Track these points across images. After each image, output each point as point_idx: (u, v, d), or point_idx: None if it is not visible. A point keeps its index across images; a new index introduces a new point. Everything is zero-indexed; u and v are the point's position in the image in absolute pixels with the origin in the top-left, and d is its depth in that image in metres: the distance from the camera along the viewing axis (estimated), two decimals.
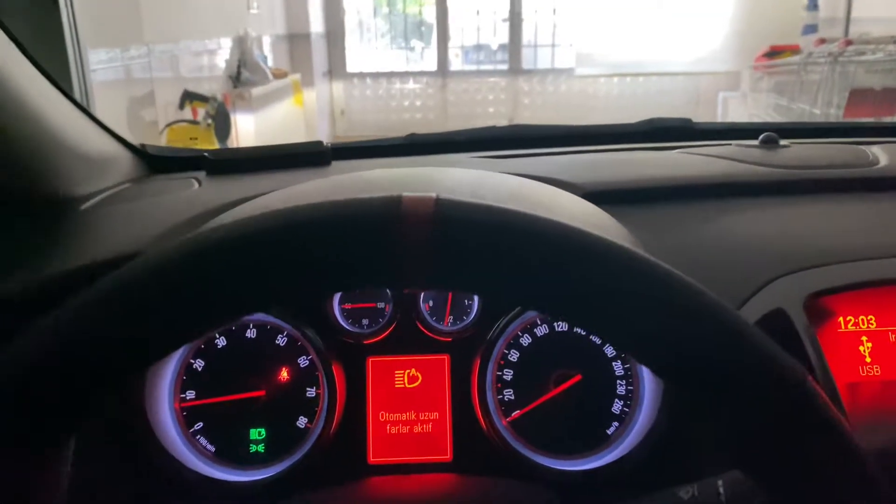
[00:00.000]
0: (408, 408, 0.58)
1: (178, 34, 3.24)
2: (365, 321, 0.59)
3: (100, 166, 0.72)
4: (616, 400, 0.58)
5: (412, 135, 0.89)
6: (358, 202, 0.29)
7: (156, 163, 0.82)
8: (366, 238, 0.28)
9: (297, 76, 4.43)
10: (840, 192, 0.69)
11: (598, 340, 0.58)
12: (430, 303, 0.59)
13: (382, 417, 0.58)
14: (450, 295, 0.59)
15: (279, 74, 4.16)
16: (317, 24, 5.08)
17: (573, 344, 0.58)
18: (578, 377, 0.57)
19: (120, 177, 0.76)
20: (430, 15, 5.49)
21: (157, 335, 0.28)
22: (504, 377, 0.58)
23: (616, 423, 0.57)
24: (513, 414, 0.57)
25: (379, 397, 0.58)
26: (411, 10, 5.60)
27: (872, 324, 0.56)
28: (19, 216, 0.62)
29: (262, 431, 0.57)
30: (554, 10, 5.39)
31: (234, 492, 0.55)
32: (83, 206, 0.66)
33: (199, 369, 0.57)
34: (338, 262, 0.28)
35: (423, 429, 0.58)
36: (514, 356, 0.58)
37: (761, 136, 0.79)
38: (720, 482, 0.40)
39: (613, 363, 0.58)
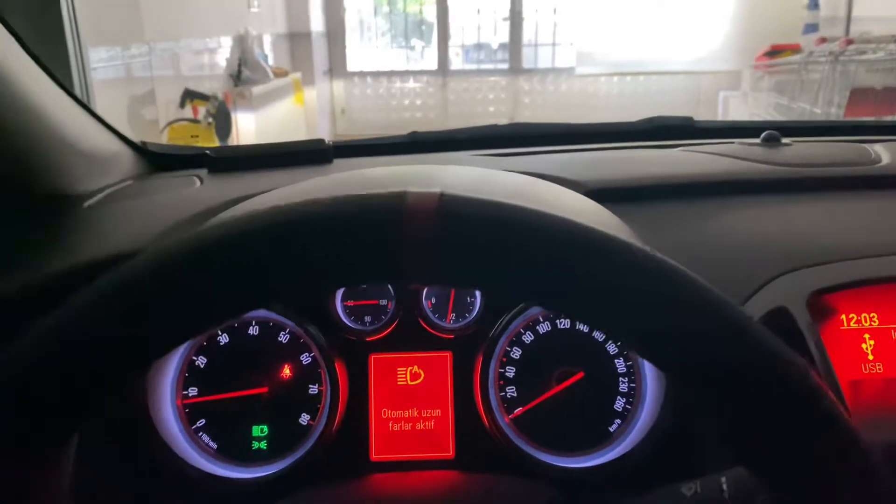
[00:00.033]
0: (410, 405, 0.58)
1: (179, 32, 3.24)
2: (367, 318, 0.59)
3: (102, 164, 0.72)
4: (618, 397, 0.58)
5: (413, 133, 0.89)
6: (362, 198, 0.29)
7: (157, 160, 0.82)
8: (370, 234, 0.28)
9: (297, 75, 4.43)
10: (842, 190, 0.69)
11: (600, 337, 0.58)
12: (433, 300, 0.59)
13: (385, 414, 0.58)
14: (452, 292, 0.59)
15: (280, 73, 4.16)
16: (317, 23, 5.08)
17: (576, 341, 0.58)
18: (581, 374, 0.58)
19: (122, 174, 0.76)
20: (430, 14, 5.49)
21: (159, 333, 0.28)
22: (506, 374, 0.58)
23: (618, 421, 0.57)
24: (515, 411, 0.58)
25: (381, 394, 0.58)
26: (412, 9, 5.60)
27: (875, 321, 0.56)
28: (21, 213, 0.62)
29: (265, 428, 0.57)
30: (554, 10, 5.38)
31: (237, 489, 0.55)
32: (85, 204, 0.66)
33: (202, 366, 0.57)
34: (342, 259, 0.28)
35: (425, 426, 0.58)
36: (516, 353, 0.58)
37: (763, 135, 0.79)
38: (723, 478, 0.40)
39: (616, 360, 0.58)
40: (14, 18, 0.62)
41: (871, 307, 0.56)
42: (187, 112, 3.08)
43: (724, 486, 0.39)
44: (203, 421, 0.57)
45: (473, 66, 5.56)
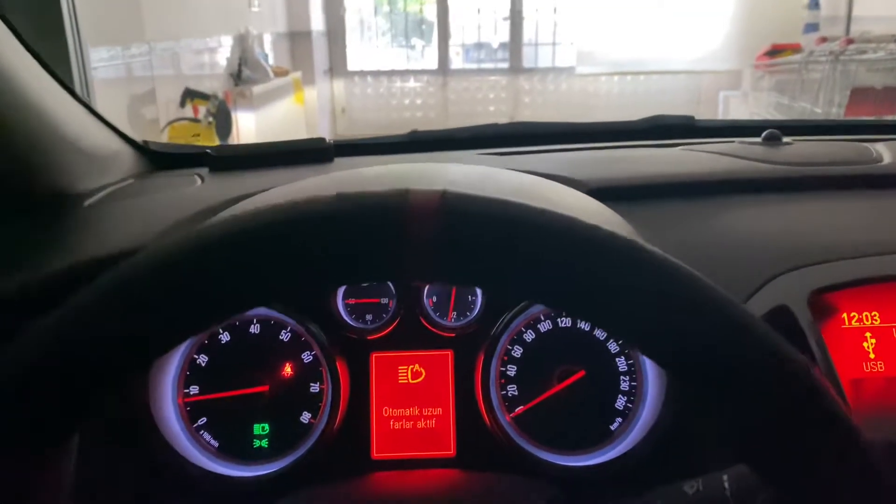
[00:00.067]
0: (411, 403, 0.58)
1: (180, 32, 3.24)
2: (368, 317, 0.59)
3: (103, 162, 0.72)
4: (620, 396, 0.58)
5: (414, 132, 0.89)
6: (364, 195, 0.29)
7: (158, 159, 0.82)
8: (372, 231, 0.28)
9: (297, 74, 4.43)
10: (843, 188, 0.69)
11: (601, 336, 0.58)
12: (434, 298, 0.59)
13: (386, 413, 0.58)
14: (453, 290, 0.59)
15: (280, 72, 4.16)
16: (318, 23, 5.08)
17: (577, 340, 0.58)
18: (582, 373, 0.58)
19: (123, 173, 0.76)
20: (430, 13, 5.49)
21: (159, 331, 0.28)
22: (507, 373, 0.58)
23: (620, 419, 0.57)
24: (516, 409, 0.58)
25: (382, 393, 0.58)
26: (412, 9, 5.59)
27: (876, 320, 0.56)
28: (22, 212, 0.62)
29: (266, 427, 0.57)
30: (555, 9, 5.38)
31: (238, 487, 0.55)
32: (86, 202, 0.66)
33: (203, 364, 0.57)
34: (343, 257, 0.28)
35: (426, 424, 0.58)
36: (517, 352, 0.58)
37: (764, 133, 0.79)
38: (725, 476, 0.39)
39: (617, 359, 0.58)
40: (14, 18, 0.62)
41: (873, 306, 0.56)
42: (188, 111, 3.08)
43: (726, 484, 0.39)
44: (204, 419, 0.57)
45: (474, 66, 5.55)
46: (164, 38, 3.05)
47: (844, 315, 0.56)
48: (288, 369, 0.58)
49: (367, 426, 0.58)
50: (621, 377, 0.58)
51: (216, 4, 3.71)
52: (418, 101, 5.52)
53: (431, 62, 5.51)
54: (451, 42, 5.48)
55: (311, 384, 0.58)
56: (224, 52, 3.79)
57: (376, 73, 5.50)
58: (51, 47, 0.91)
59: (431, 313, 0.59)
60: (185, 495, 0.55)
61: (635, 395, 0.58)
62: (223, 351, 0.58)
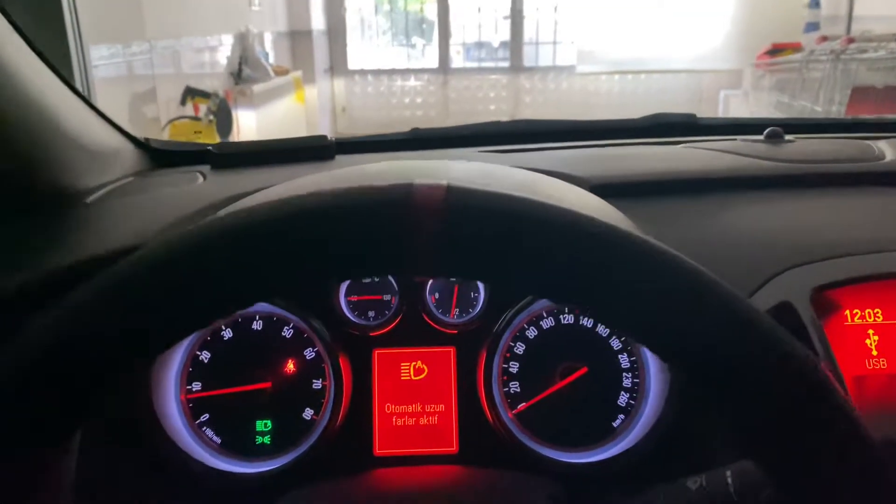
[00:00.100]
0: (414, 400, 0.58)
1: (180, 30, 3.24)
2: (371, 313, 0.59)
3: (104, 159, 0.72)
4: (622, 392, 0.58)
5: (416, 129, 0.89)
6: (368, 189, 0.28)
7: (160, 157, 0.82)
8: (377, 225, 0.28)
9: (298, 73, 4.43)
10: (846, 186, 0.69)
11: (604, 333, 0.58)
12: (437, 295, 0.59)
13: (388, 409, 0.58)
14: (456, 287, 0.59)
15: (280, 71, 4.16)
16: (318, 21, 5.08)
17: (579, 336, 0.58)
18: (584, 370, 0.58)
19: (124, 170, 0.75)
20: (431, 12, 5.48)
21: (160, 327, 0.28)
22: (510, 369, 0.58)
23: (622, 416, 0.57)
24: (519, 406, 0.58)
25: (385, 389, 0.58)
26: (412, 7, 5.59)
27: (879, 317, 0.56)
28: (23, 209, 0.62)
29: (269, 423, 0.57)
30: (555, 8, 5.38)
31: (240, 483, 0.55)
32: (88, 200, 0.66)
33: (206, 361, 0.57)
34: (348, 250, 0.28)
35: (428, 421, 0.58)
36: (520, 349, 0.58)
37: (766, 131, 0.79)
38: (728, 472, 0.39)
39: (619, 355, 0.58)
40: (15, 15, 0.62)
41: (875, 303, 0.56)
42: (188, 110, 3.08)
43: (730, 480, 0.39)
44: (207, 415, 0.57)
45: (474, 65, 5.55)
46: (164, 36, 3.05)
47: (847, 312, 0.56)
48: (290, 366, 0.58)
49: (369, 423, 0.58)
50: (624, 374, 0.58)
51: (217, 3, 3.71)
52: (419, 100, 5.52)
53: (432, 61, 5.51)
54: (452, 41, 5.47)
55: (314, 381, 0.57)
56: (224, 50, 3.79)
57: (377, 72, 5.50)
58: (51, 45, 0.91)
59: (434, 310, 0.59)
60: (187, 491, 0.55)
61: (638, 391, 0.57)
62: (226, 347, 0.58)
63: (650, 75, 5.33)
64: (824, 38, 3.84)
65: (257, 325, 0.58)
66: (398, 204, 0.28)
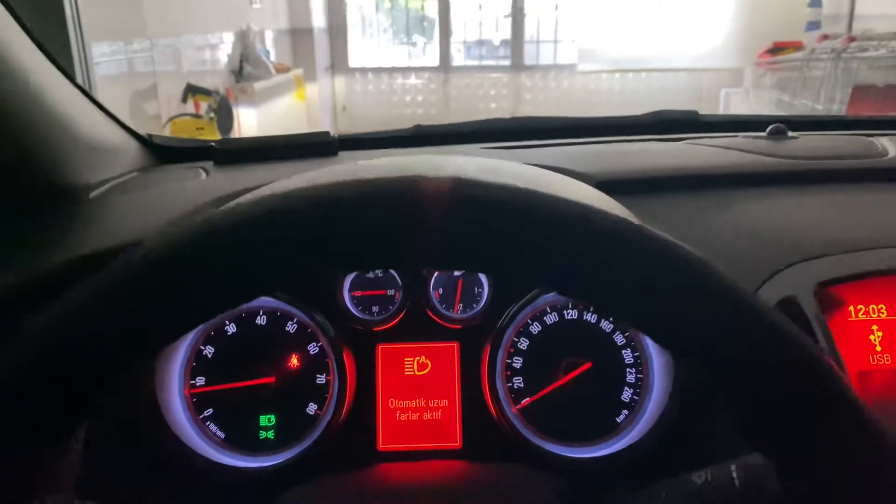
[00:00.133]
0: (417, 395, 0.58)
1: (181, 28, 3.24)
2: (375, 308, 0.59)
3: (107, 155, 0.72)
4: (626, 388, 0.58)
5: (418, 126, 0.89)
6: (375, 181, 0.28)
7: (163, 153, 0.82)
8: (384, 217, 0.28)
9: (299, 71, 4.43)
10: (849, 182, 0.69)
11: (608, 328, 0.58)
12: (440, 290, 0.59)
13: (392, 404, 0.58)
14: (460, 282, 0.59)
15: (281, 69, 4.16)
16: (319, 19, 5.07)
17: (583, 332, 0.58)
18: (588, 365, 0.58)
19: (127, 166, 0.75)
20: (432, 10, 5.48)
21: (164, 321, 0.28)
22: (514, 365, 0.58)
23: (626, 411, 0.57)
24: (522, 401, 0.58)
25: (389, 384, 0.58)
26: (413, 6, 5.59)
27: (883, 313, 0.56)
28: (27, 205, 0.62)
29: (272, 418, 0.57)
30: (556, 6, 5.38)
31: (244, 478, 0.55)
32: (91, 195, 0.66)
33: (209, 356, 0.57)
34: (351, 244, 0.28)
35: (432, 416, 0.58)
36: (523, 344, 0.58)
37: (769, 128, 0.79)
38: (733, 467, 0.39)
39: (623, 351, 0.58)
40: (18, 13, 0.62)
41: (879, 298, 0.56)
42: (189, 107, 3.08)
43: (735, 475, 0.39)
44: (210, 410, 0.57)
45: (475, 63, 5.55)
46: (165, 33, 3.04)
47: (851, 308, 0.56)
48: (294, 361, 0.58)
49: (373, 418, 0.58)
50: (627, 369, 0.58)
51: (218, 1, 3.70)
52: (419, 99, 5.52)
53: (433, 59, 5.51)
54: (453, 39, 5.47)
55: (318, 375, 0.58)
56: (225, 48, 3.78)
57: (378, 70, 5.49)
58: (53, 42, 0.91)
59: (438, 305, 0.59)
60: (190, 486, 0.55)
61: (641, 387, 0.57)
62: (229, 342, 0.58)
63: (651, 74, 5.33)
64: (825, 37, 3.84)
65: (261, 320, 0.58)
66: (405, 196, 0.28)
